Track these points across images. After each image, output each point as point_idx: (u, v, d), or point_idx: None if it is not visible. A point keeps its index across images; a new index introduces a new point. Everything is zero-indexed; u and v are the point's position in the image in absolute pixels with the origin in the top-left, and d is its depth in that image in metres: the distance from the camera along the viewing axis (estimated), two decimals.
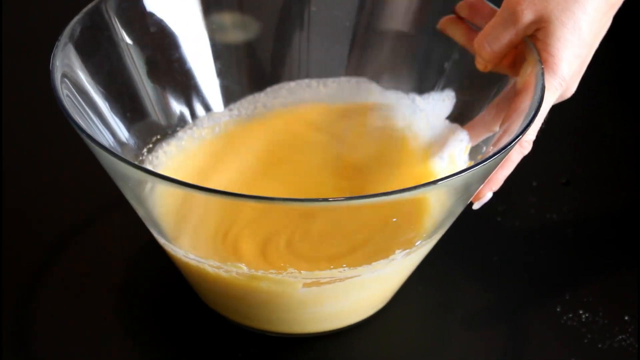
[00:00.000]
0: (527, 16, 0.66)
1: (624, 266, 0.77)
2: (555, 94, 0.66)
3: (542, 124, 0.67)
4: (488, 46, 0.68)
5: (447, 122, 0.76)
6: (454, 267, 0.77)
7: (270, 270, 0.63)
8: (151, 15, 0.74)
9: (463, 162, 0.73)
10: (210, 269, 0.65)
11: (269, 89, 0.81)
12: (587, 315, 0.73)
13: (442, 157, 0.75)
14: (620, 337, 0.71)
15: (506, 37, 0.67)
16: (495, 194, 0.68)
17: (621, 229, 0.81)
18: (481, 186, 0.66)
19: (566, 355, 0.70)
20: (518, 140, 0.61)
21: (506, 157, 0.65)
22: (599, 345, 0.71)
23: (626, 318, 0.72)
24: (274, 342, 0.71)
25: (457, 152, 0.74)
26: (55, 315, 0.72)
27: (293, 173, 0.77)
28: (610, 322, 0.72)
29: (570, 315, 0.73)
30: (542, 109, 0.64)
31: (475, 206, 0.67)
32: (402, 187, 0.56)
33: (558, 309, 0.73)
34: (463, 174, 0.58)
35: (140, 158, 0.73)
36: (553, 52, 0.66)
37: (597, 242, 0.80)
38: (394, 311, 0.73)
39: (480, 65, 0.69)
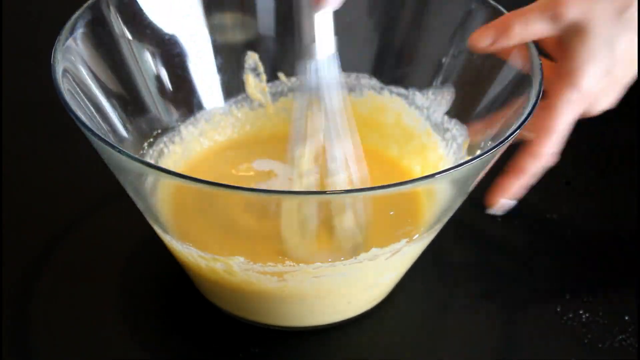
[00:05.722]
0: (572, 12, 0.61)
1: (624, 266, 0.77)
2: (574, 108, 0.62)
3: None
4: (517, 26, 0.62)
5: (446, 117, 0.76)
6: (453, 267, 0.77)
7: (268, 264, 0.63)
8: (152, 10, 0.74)
9: (461, 157, 0.73)
10: (208, 262, 0.65)
11: (269, 84, 0.81)
12: (587, 315, 0.73)
13: (440, 152, 0.75)
14: (620, 337, 0.71)
15: (537, 25, 0.62)
16: None
17: (621, 229, 0.81)
18: (494, 193, 0.65)
19: (566, 355, 0.70)
20: (515, 135, 0.60)
21: (519, 166, 0.64)
22: (599, 345, 0.70)
23: (626, 318, 0.72)
24: (273, 335, 0.71)
25: (456, 148, 0.74)
26: (56, 308, 0.72)
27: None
28: (610, 322, 0.72)
29: (570, 315, 0.73)
30: (559, 122, 0.61)
31: (492, 211, 0.66)
32: (400, 181, 0.56)
33: (558, 309, 0.73)
34: (458, 168, 0.58)
35: (141, 152, 0.74)
36: (578, 64, 0.61)
37: (597, 242, 0.79)
38: (393, 307, 0.73)
39: (487, 40, 0.64)
